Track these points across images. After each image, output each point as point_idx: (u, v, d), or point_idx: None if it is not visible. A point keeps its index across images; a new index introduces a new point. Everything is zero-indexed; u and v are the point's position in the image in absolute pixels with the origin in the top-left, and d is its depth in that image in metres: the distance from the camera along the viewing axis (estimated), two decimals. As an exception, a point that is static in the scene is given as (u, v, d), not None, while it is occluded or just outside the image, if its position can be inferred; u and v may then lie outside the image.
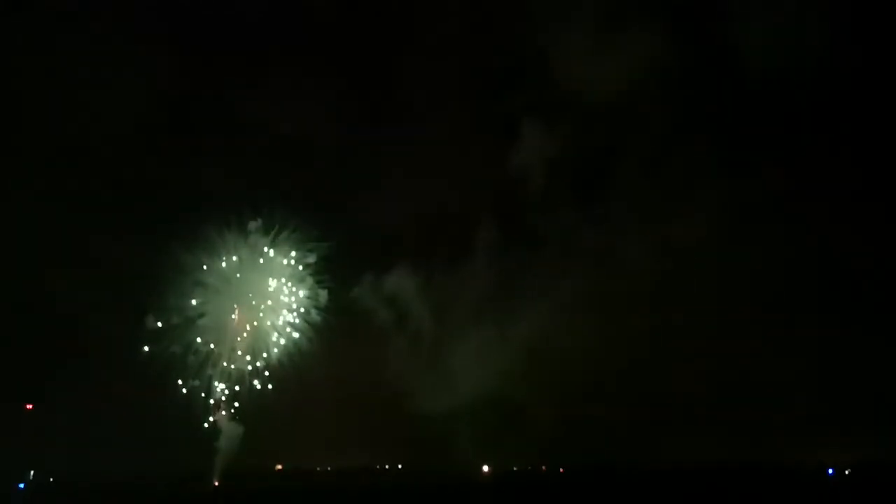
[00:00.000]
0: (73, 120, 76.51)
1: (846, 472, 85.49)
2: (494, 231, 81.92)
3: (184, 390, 71.92)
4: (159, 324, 71.18)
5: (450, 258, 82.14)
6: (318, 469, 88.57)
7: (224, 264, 73.45)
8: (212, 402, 73.56)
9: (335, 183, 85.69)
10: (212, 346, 73.27)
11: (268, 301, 74.91)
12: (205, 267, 72.75)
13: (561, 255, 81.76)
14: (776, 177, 78.80)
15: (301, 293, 75.24)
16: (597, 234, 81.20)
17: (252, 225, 73.61)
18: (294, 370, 74.02)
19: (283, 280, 75.25)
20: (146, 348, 70.69)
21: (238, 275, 74.05)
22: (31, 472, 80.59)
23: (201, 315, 72.95)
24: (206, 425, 73.80)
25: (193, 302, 72.51)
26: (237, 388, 74.10)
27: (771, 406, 78.79)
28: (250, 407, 74.16)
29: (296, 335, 74.54)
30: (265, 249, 74.36)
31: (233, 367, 73.87)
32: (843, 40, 72.52)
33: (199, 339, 72.68)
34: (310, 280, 75.33)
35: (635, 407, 79.62)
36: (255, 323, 74.51)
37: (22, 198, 75.59)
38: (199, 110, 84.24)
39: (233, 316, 74.12)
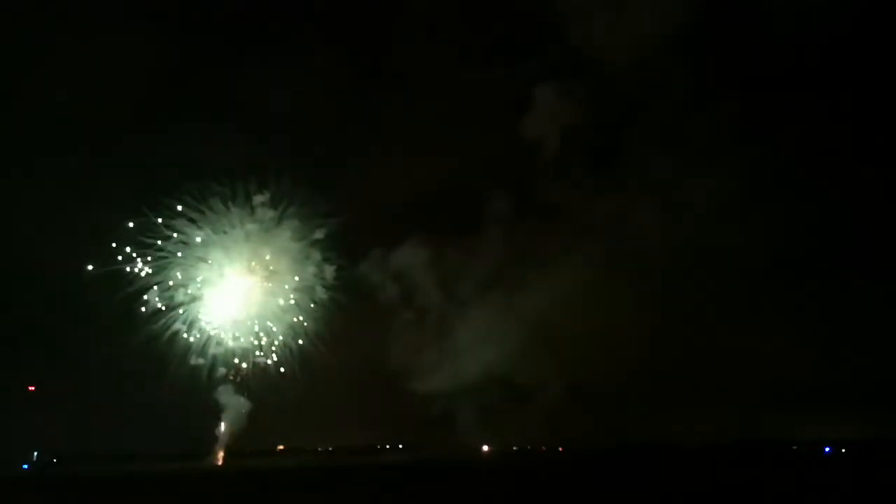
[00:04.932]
0: (75, 93, 76.23)
1: (842, 450, 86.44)
2: (504, 204, 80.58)
3: (187, 369, 70.91)
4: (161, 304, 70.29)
5: (458, 233, 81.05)
6: (319, 449, 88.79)
7: (229, 239, 72.45)
8: (215, 380, 73.16)
9: (344, 157, 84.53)
10: (215, 323, 72.52)
11: (274, 277, 74.08)
12: (210, 242, 71.92)
13: (574, 228, 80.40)
14: (793, 144, 76.88)
15: (307, 269, 73.89)
16: (611, 205, 79.78)
17: (258, 199, 71.90)
18: (298, 349, 73.27)
19: (290, 256, 73.89)
20: (148, 326, 69.58)
21: (244, 250, 72.94)
22: (36, 453, 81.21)
23: (205, 292, 72.15)
24: (209, 404, 73.80)
25: (197, 278, 71.67)
26: (241, 367, 73.60)
27: (772, 384, 79.01)
28: (254, 386, 73.81)
29: (301, 313, 73.74)
30: (271, 224, 72.84)
31: (236, 345, 73.15)
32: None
33: (202, 317, 71.94)
34: (316, 256, 73.89)
35: (639, 385, 78.98)
36: (260, 300, 73.99)
37: (22, 174, 75.87)
38: (204, 85, 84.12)
39: (237, 292, 73.36)
